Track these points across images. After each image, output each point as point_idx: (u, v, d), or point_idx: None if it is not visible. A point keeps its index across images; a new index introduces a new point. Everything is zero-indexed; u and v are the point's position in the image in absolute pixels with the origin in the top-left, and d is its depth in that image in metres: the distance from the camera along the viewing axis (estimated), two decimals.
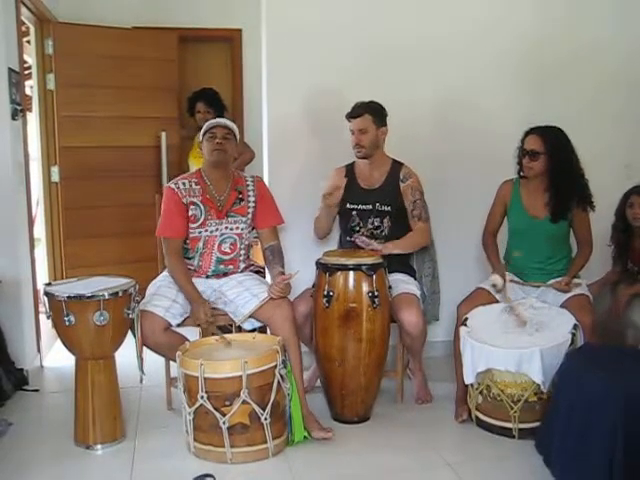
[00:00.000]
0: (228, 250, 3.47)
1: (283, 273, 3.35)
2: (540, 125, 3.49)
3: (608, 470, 2.52)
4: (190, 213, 3.40)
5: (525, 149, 3.48)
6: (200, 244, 3.43)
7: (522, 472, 2.89)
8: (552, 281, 3.48)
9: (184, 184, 3.44)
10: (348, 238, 3.64)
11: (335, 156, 3.79)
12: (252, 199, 3.49)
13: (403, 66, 4.05)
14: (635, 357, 3.05)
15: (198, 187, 3.43)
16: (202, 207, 3.41)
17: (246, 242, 3.53)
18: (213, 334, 3.33)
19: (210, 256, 3.46)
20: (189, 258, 3.48)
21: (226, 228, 3.45)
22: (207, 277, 3.48)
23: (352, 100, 3.61)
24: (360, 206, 3.66)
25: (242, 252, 3.52)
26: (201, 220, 3.41)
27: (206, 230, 3.42)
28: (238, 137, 3.51)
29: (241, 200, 3.47)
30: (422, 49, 4.06)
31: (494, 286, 3.51)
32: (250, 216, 3.49)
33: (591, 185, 3.52)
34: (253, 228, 3.56)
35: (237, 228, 3.46)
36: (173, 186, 3.44)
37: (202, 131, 3.45)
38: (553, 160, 3.44)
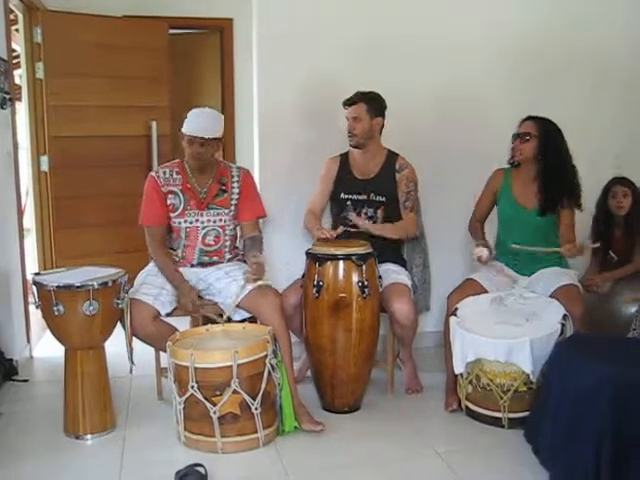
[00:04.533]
0: (212, 242, 3.46)
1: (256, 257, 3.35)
2: (537, 115, 3.53)
3: (596, 459, 2.53)
4: (168, 202, 3.39)
5: (517, 132, 3.52)
6: (182, 235, 3.43)
7: (511, 461, 2.90)
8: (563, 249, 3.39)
9: (164, 173, 3.42)
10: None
11: (327, 146, 3.79)
12: (236, 191, 3.47)
13: (399, 56, 4.03)
14: (623, 346, 3.06)
15: (179, 176, 3.42)
16: (182, 196, 3.40)
17: (231, 233, 3.51)
18: (209, 322, 3.33)
19: (193, 248, 3.44)
20: (173, 249, 3.47)
21: (208, 220, 3.43)
22: (192, 266, 3.47)
23: (345, 90, 3.61)
24: (354, 196, 3.66)
25: (227, 243, 3.50)
26: (180, 209, 3.40)
27: (185, 220, 3.41)
28: (222, 131, 3.41)
29: (224, 192, 3.45)
30: (419, 39, 4.05)
31: (479, 258, 3.49)
32: (233, 208, 3.47)
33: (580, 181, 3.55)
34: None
35: (220, 220, 3.45)
36: (154, 174, 3.43)
37: (184, 128, 3.31)
38: (544, 146, 3.47)
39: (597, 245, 3.65)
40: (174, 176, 3.42)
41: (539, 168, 3.51)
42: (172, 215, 3.41)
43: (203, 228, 3.43)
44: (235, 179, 3.48)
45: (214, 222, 3.44)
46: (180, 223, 3.42)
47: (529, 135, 3.47)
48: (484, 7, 4.14)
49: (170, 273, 3.36)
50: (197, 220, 3.42)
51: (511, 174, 3.63)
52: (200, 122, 3.31)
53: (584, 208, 3.58)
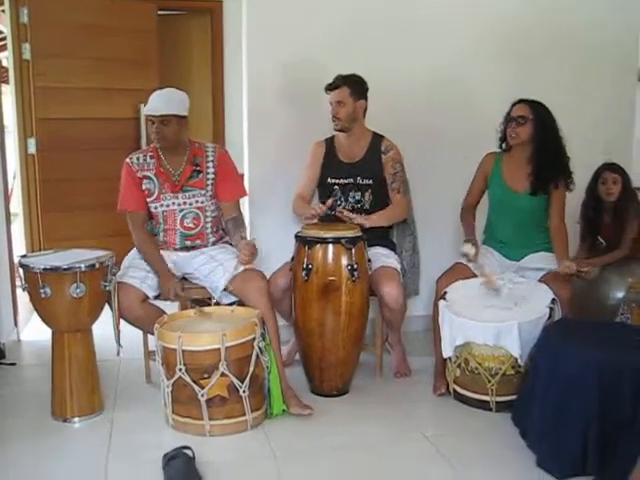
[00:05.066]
0: (191, 225, 3.43)
1: (245, 239, 3.34)
2: (528, 98, 3.52)
3: (583, 442, 2.55)
4: (143, 187, 3.37)
5: (512, 116, 3.50)
6: (160, 219, 3.41)
7: (499, 444, 2.91)
8: (554, 271, 3.38)
9: (138, 158, 3.40)
10: (328, 212, 3.62)
11: (315, 128, 3.76)
12: (211, 170, 3.42)
13: (386, 39, 4.01)
14: (611, 330, 3.08)
15: (153, 160, 3.39)
16: (155, 180, 3.37)
17: (212, 215, 3.48)
18: (191, 307, 3.32)
19: (174, 232, 3.42)
20: (155, 234, 3.46)
21: (185, 203, 3.40)
22: (175, 250, 3.45)
23: (333, 72, 3.58)
24: (341, 180, 3.64)
25: (208, 225, 3.47)
26: (155, 194, 3.38)
27: (162, 205, 3.39)
28: (186, 107, 3.35)
29: (199, 172, 3.41)
30: (406, 22, 4.03)
31: (465, 255, 3.47)
32: (210, 188, 3.43)
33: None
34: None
35: (197, 202, 3.41)
36: (129, 160, 3.40)
37: (144, 110, 3.33)
38: (539, 128, 3.46)
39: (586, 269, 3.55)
40: (148, 160, 3.39)
41: (533, 150, 3.51)
42: (148, 200, 3.39)
43: (180, 211, 3.41)
44: (210, 159, 3.44)
45: (190, 204, 3.41)
46: (157, 207, 3.39)
47: (524, 118, 3.45)
48: None
49: (154, 260, 3.34)
50: (173, 203, 3.40)
51: (502, 158, 3.63)
52: (155, 101, 3.30)
53: (573, 188, 3.57)
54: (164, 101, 3.29)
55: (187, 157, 3.41)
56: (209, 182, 3.43)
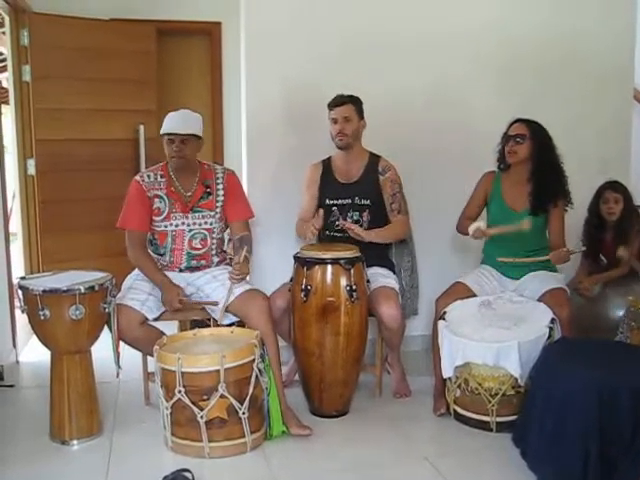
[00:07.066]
0: (199, 246, 3.44)
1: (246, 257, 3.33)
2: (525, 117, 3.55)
3: (583, 462, 2.54)
4: (154, 206, 3.37)
5: (510, 135, 3.52)
6: (168, 239, 3.41)
7: (499, 465, 2.90)
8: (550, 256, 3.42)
9: (149, 176, 3.40)
10: (327, 232, 3.63)
11: (315, 149, 3.78)
12: (221, 192, 3.45)
13: (385, 60, 4.04)
14: (610, 349, 3.07)
15: (164, 180, 3.40)
16: (166, 200, 3.38)
17: (218, 236, 3.49)
18: (197, 326, 3.30)
19: (181, 252, 3.42)
20: (160, 254, 3.45)
21: (194, 223, 3.41)
22: (180, 271, 3.45)
23: (332, 93, 3.60)
24: (339, 201, 3.64)
25: (214, 247, 3.49)
26: (165, 213, 3.38)
27: (171, 224, 3.39)
28: (201, 129, 3.41)
29: (209, 194, 3.44)
30: (405, 43, 4.06)
31: (476, 230, 3.45)
32: (219, 210, 3.45)
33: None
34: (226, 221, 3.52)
35: (206, 223, 3.43)
36: (139, 178, 3.40)
37: (162, 129, 3.32)
38: (537, 147, 3.49)
39: (583, 249, 3.66)
40: (159, 179, 3.40)
41: (532, 169, 3.53)
42: (157, 219, 3.38)
43: (189, 231, 3.41)
44: (220, 180, 3.47)
45: (199, 225, 3.42)
46: (166, 227, 3.40)
47: (522, 137, 3.48)
48: (473, 7, 4.16)
49: (153, 274, 3.33)
50: (183, 223, 3.40)
51: (501, 177, 3.65)
52: (176, 120, 3.33)
53: (571, 207, 3.59)
54: (184, 121, 3.32)
55: (198, 178, 3.43)
56: (218, 204, 3.45)
